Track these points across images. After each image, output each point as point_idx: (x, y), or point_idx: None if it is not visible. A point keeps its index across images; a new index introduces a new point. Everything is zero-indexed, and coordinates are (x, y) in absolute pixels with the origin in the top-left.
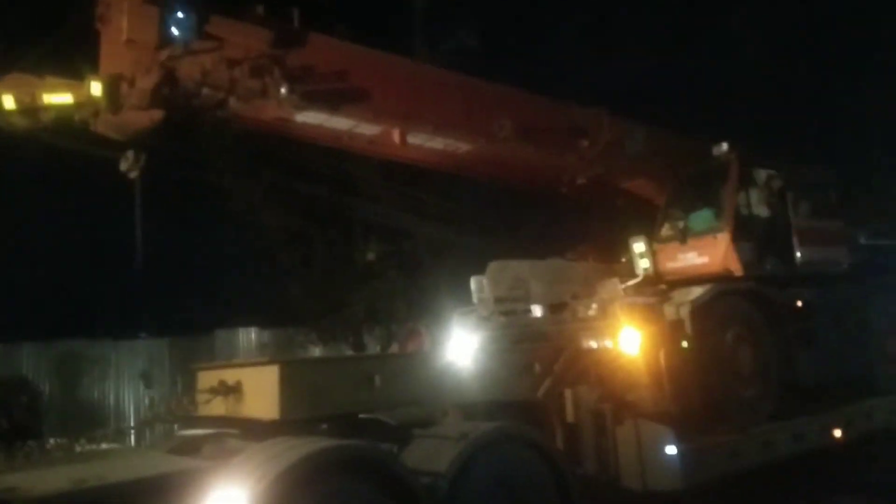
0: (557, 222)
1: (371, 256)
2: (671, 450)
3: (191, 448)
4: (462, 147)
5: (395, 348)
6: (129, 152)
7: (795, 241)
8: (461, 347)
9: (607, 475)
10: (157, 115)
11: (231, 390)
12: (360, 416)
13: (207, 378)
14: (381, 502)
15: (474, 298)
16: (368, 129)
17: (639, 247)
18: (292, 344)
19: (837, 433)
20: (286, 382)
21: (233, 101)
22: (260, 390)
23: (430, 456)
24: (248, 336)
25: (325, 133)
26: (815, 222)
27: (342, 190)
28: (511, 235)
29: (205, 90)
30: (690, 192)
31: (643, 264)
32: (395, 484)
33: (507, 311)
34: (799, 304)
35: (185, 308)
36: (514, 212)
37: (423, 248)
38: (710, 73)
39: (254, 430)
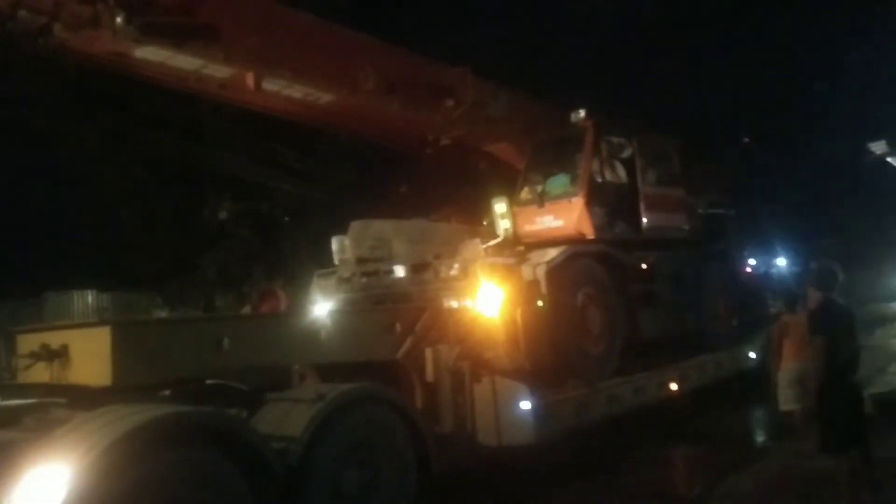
0: (421, 183)
1: (223, 215)
2: (525, 405)
3: (9, 419)
4: (323, 97)
5: (247, 310)
6: None
7: (642, 206)
8: (320, 309)
9: (464, 432)
10: None
11: (56, 355)
12: (208, 381)
13: (29, 342)
14: (228, 471)
15: (336, 259)
16: (219, 72)
17: (500, 207)
18: (135, 309)
19: (673, 387)
20: (119, 345)
21: (58, 29)
22: (89, 354)
23: (284, 420)
24: (84, 299)
25: (168, 73)
26: (660, 190)
27: (191, 139)
28: (374, 195)
29: (22, 13)
30: (548, 157)
31: (504, 225)
32: (243, 451)
33: (369, 271)
34: (643, 266)
35: (9, 267)
36: (378, 171)
37: (282, 207)
38: (570, 39)
39: (83, 399)
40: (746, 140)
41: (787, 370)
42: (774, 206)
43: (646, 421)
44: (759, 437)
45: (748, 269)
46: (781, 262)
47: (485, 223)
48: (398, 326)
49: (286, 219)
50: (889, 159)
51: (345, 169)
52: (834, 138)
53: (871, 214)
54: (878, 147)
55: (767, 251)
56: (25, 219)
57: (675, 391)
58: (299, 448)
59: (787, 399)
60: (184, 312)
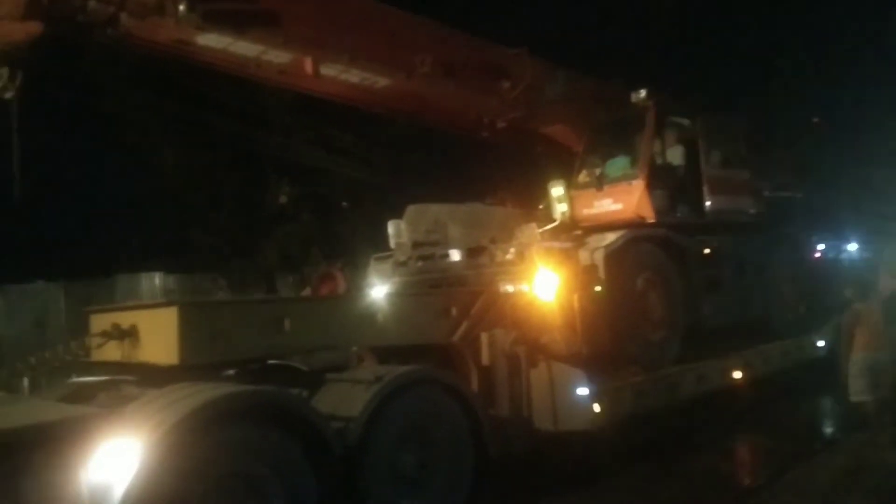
0: (477, 166)
1: (284, 199)
2: (582, 391)
3: (84, 395)
4: (380, 81)
5: (307, 292)
6: (3, 69)
7: (706, 189)
8: (378, 292)
9: (520, 417)
10: (35, 28)
11: (126, 334)
12: (270, 361)
13: (100, 322)
14: (290, 449)
15: (392, 243)
16: (278, 57)
17: (557, 191)
18: (199, 290)
19: (737, 375)
20: (185, 326)
21: (125, 18)
22: (157, 334)
23: (343, 400)
24: (152, 281)
25: (230, 59)
26: (724, 172)
27: (253, 124)
28: (430, 179)
29: (92, 3)
30: (608, 138)
31: (561, 208)
32: (304, 430)
33: (425, 255)
34: (706, 251)
35: (81, 251)
36: (434, 155)
37: (340, 191)
38: (627, 17)
39: (152, 376)
40: (816, 120)
41: (859, 360)
42: (846, 189)
43: (709, 409)
44: (827, 428)
45: (817, 255)
46: (853, 247)
47: (541, 207)
48: (454, 310)
49: (344, 203)
50: None
51: (401, 153)
52: None
53: None
54: None
55: (838, 236)
56: (95, 203)
57: (739, 379)
58: (358, 428)
59: (858, 389)
60: (247, 295)
